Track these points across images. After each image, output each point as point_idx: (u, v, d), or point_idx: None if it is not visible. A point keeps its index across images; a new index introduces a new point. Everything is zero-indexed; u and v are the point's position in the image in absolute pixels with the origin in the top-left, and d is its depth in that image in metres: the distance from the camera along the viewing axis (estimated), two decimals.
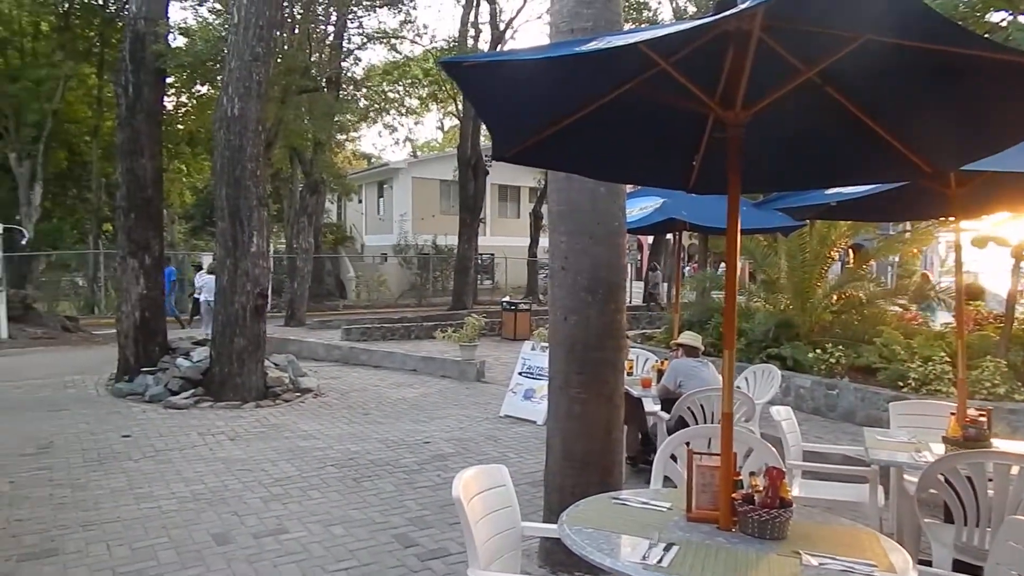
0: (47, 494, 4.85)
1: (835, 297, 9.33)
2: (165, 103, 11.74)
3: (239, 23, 8.07)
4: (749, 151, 2.54)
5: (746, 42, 2.30)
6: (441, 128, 39.44)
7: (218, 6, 15.56)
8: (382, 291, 25.09)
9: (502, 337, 15.06)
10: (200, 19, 16.01)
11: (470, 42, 20.16)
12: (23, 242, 17.09)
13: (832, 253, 9.36)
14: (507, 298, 17.54)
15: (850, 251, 12.12)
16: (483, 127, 23.43)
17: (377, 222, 30.91)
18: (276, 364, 8.99)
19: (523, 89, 2.43)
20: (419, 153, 31.41)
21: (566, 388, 3.80)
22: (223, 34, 11.17)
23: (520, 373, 7.87)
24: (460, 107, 22.20)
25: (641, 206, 5.88)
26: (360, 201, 31.52)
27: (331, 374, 10.21)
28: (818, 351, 8.00)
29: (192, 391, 8.09)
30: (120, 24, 17.74)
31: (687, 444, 3.29)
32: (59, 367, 10.64)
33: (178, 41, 11.04)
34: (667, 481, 3.39)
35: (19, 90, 17.74)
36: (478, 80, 2.29)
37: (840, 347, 7.90)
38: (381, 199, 31.19)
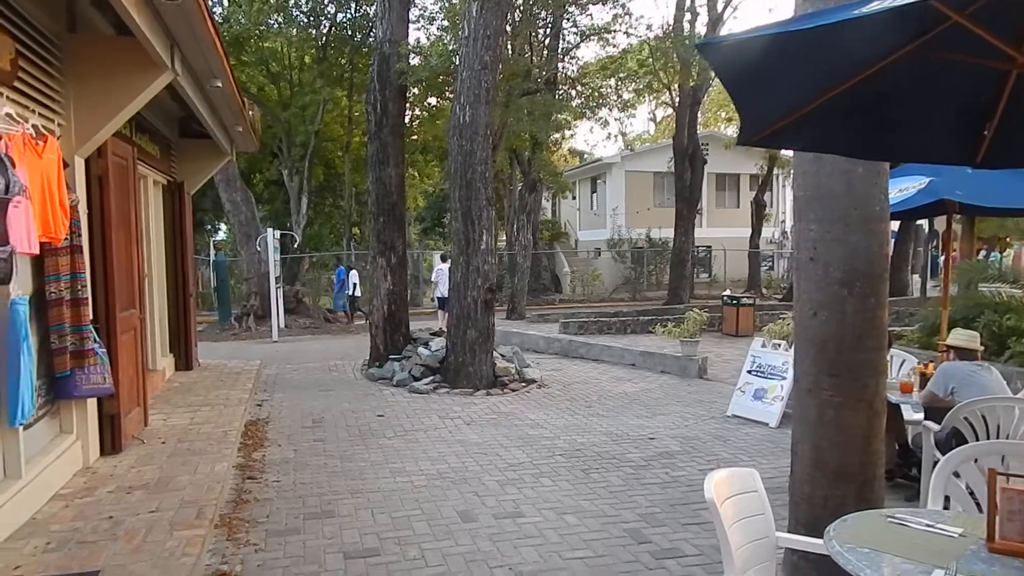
0: (322, 463, 5.61)
1: None
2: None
3: (469, 35, 8.62)
4: None
5: None
6: (653, 119, 38.72)
7: (446, 23, 16.82)
8: (596, 285, 25.32)
9: (723, 333, 14.38)
10: (430, 36, 17.42)
11: (686, 27, 19.48)
12: (295, 245, 20.06)
13: None
14: (727, 292, 16.70)
15: None
16: (700, 115, 22.54)
17: (591, 217, 31.24)
18: (503, 355, 9.48)
19: (783, 65, 2.25)
20: (632, 147, 31.03)
21: (817, 391, 3.47)
22: (452, 47, 12.04)
23: (749, 371, 7.41)
24: (675, 97, 21.56)
25: (900, 187, 5.18)
26: (574, 197, 32.09)
27: (552, 366, 10.51)
28: None
29: (431, 378, 8.85)
30: (365, 51, 20.00)
31: (975, 462, 2.85)
32: (324, 353, 12.29)
33: (413, 60, 12.08)
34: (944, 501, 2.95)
35: (290, 116, 20.81)
36: (735, 59, 2.16)
37: None
38: (594, 194, 31.47)
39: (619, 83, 19.51)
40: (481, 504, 4.63)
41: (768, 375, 7.20)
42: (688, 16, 19.86)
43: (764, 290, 24.29)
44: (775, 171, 25.54)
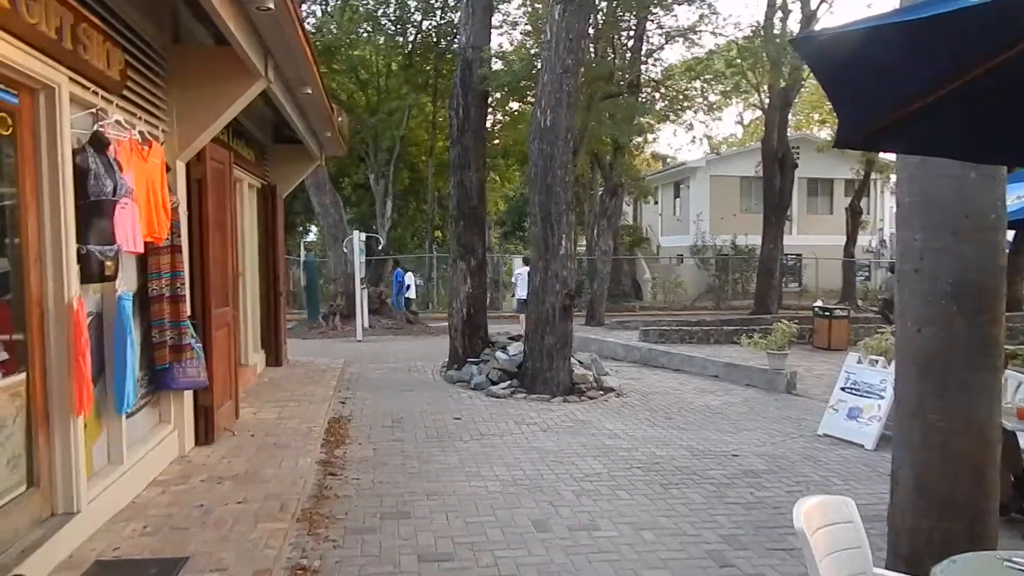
0: (400, 463, 5.69)
1: None
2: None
3: (551, 39, 8.58)
4: None
5: None
6: (740, 122, 37.50)
7: (528, 27, 16.89)
8: (678, 293, 24.72)
9: (813, 346, 13.68)
10: (513, 41, 17.55)
11: (777, 25, 18.75)
12: (379, 247, 20.62)
13: None
14: (819, 303, 15.86)
15: None
16: (791, 117, 21.62)
17: (673, 223, 30.58)
18: (580, 362, 9.36)
19: (887, 59, 2.07)
20: (718, 150, 30.11)
21: (921, 413, 3.21)
22: (534, 52, 12.05)
23: (843, 388, 6.99)
24: (764, 98, 20.78)
25: (1018, 193, 4.76)
26: (656, 202, 31.51)
27: (630, 374, 10.30)
28: None
29: (508, 383, 8.85)
30: (450, 57, 20.36)
31: None
32: (405, 354, 12.55)
33: (496, 65, 12.17)
34: None
35: (377, 121, 21.43)
36: (833, 54, 2.01)
37: None
38: (677, 199, 30.79)
39: (705, 85, 19.01)
40: (556, 514, 4.56)
41: (864, 393, 6.77)
42: (779, 14, 19.11)
43: (860, 302, 22.99)
44: (872, 176, 24.19)
